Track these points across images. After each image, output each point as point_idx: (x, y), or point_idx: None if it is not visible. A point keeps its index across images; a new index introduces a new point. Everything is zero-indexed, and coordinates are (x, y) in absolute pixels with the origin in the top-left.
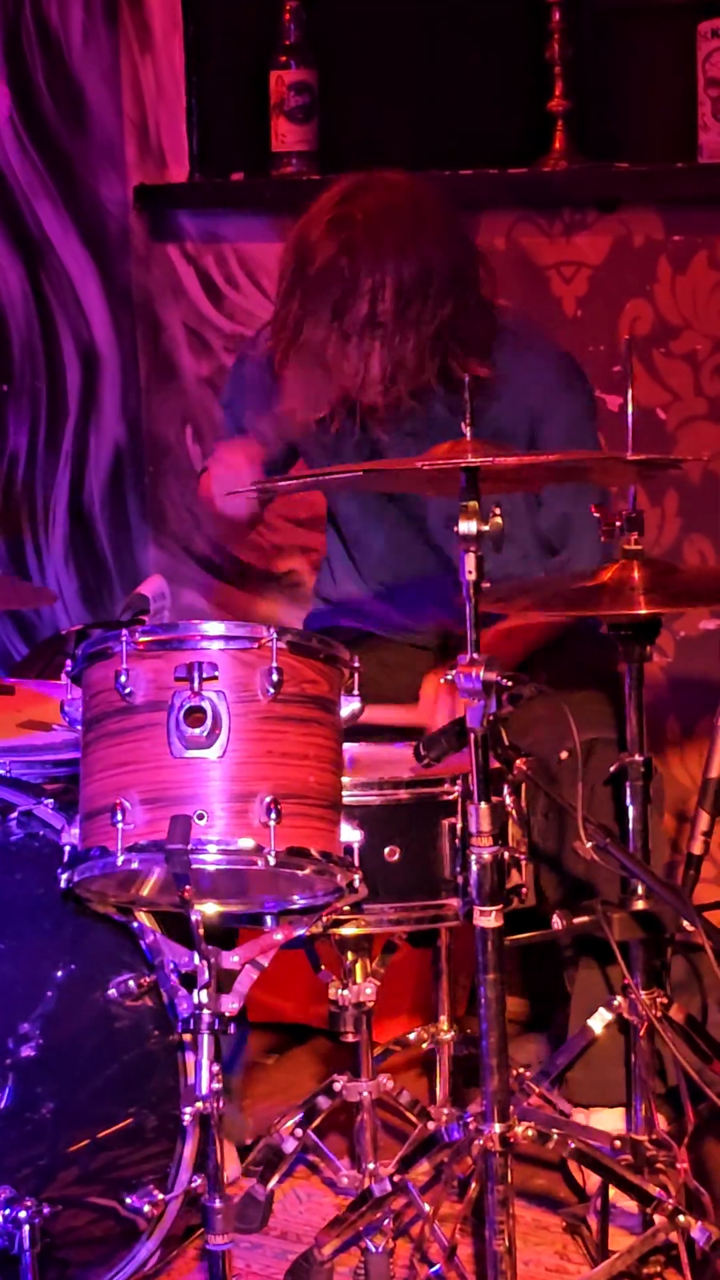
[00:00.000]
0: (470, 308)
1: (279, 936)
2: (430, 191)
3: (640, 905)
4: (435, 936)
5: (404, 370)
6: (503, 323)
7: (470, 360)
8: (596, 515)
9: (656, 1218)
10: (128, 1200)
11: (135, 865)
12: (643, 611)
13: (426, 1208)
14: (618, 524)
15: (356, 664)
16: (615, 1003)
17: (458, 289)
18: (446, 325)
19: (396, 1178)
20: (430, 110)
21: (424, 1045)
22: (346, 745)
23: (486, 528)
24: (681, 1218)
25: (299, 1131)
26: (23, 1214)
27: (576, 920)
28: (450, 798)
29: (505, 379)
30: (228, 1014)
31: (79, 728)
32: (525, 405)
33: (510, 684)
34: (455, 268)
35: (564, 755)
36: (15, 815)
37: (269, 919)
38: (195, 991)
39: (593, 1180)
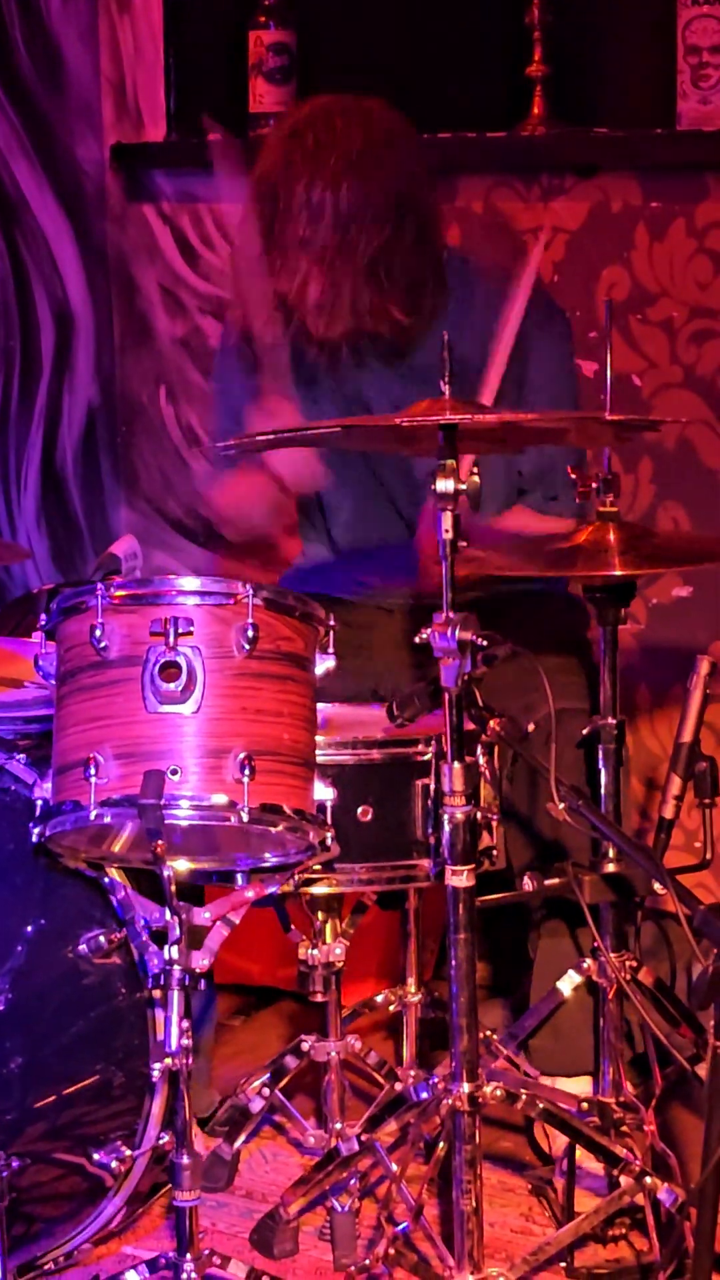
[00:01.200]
0: (407, 245)
1: (250, 894)
2: (392, 125)
3: (611, 868)
4: (404, 899)
5: (343, 300)
6: (476, 265)
7: (389, 303)
8: (573, 477)
9: (623, 1179)
10: (95, 1156)
11: (108, 820)
12: (618, 573)
13: (393, 1167)
14: (594, 486)
15: (332, 622)
16: (584, 965)
17: (395, 221)
18: (378, 256)
19: (363, 1137)
20: (409, 73)
21: (391, 1008)
22: (320, 706)
23: (464, 486)
24: (648, 1180)
25: (266, 1091)
26: None
27: (547, 882)
28: (424, 758)
29: (480, 311)
30: (198, 970)
31: (53, 682)
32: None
33: (485, 644)
34: (397, 199)
35: (531, 727)
36: None
37: (240, 876)
38: (166, 947)
39: (558, 1144)
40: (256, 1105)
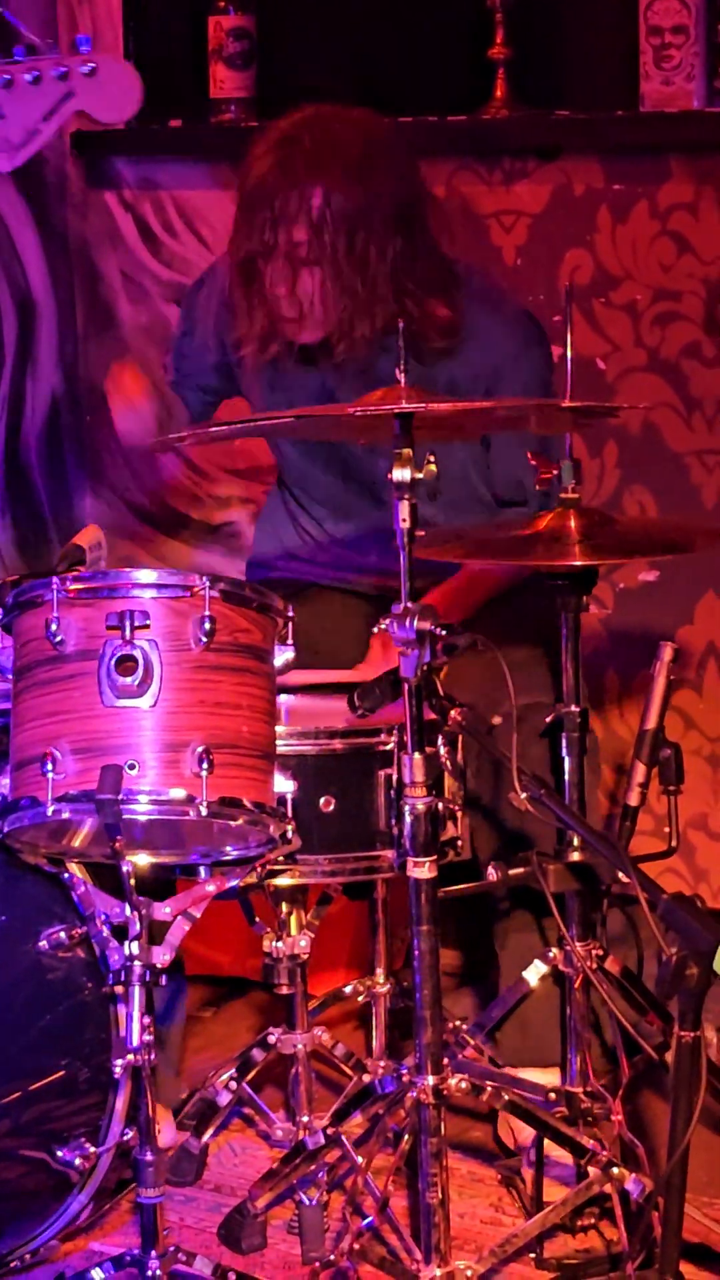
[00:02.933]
0: (419, 250)
1: (211, 888)
2: (384, 131)
3: (576, 857)
4: (371, 888)
5: (355, 308)
6: (467, 280)
7: (428, 300)
8: (534, 464)
9: (590, 1170)
10: (59, 1153)
11: (66, 815)
12: (577, 563)
13: (360, 1160)
14: (555, 473)
15: (290, 613)
16: (550, 955)
17: (404, 229)
18: (397, 265)
19: (330, 1130)
20: (370, 57)
21: (360, 998)
22: (282, 697)
23: (420, 475)
24: (615, 1170)
25: (233, 1085)
26: None
27: (512, 872)
28: (386, 748)
29: (471, 337)
30: (159, 965)
31: (10, 677)
32: (488, 364)
33: (445, 634)
34: (401, 207)
35: (497, 720)
36: None
37: (202, 870)
38: (126, 943)
39: (524, 1136)
40: (224, 1099)
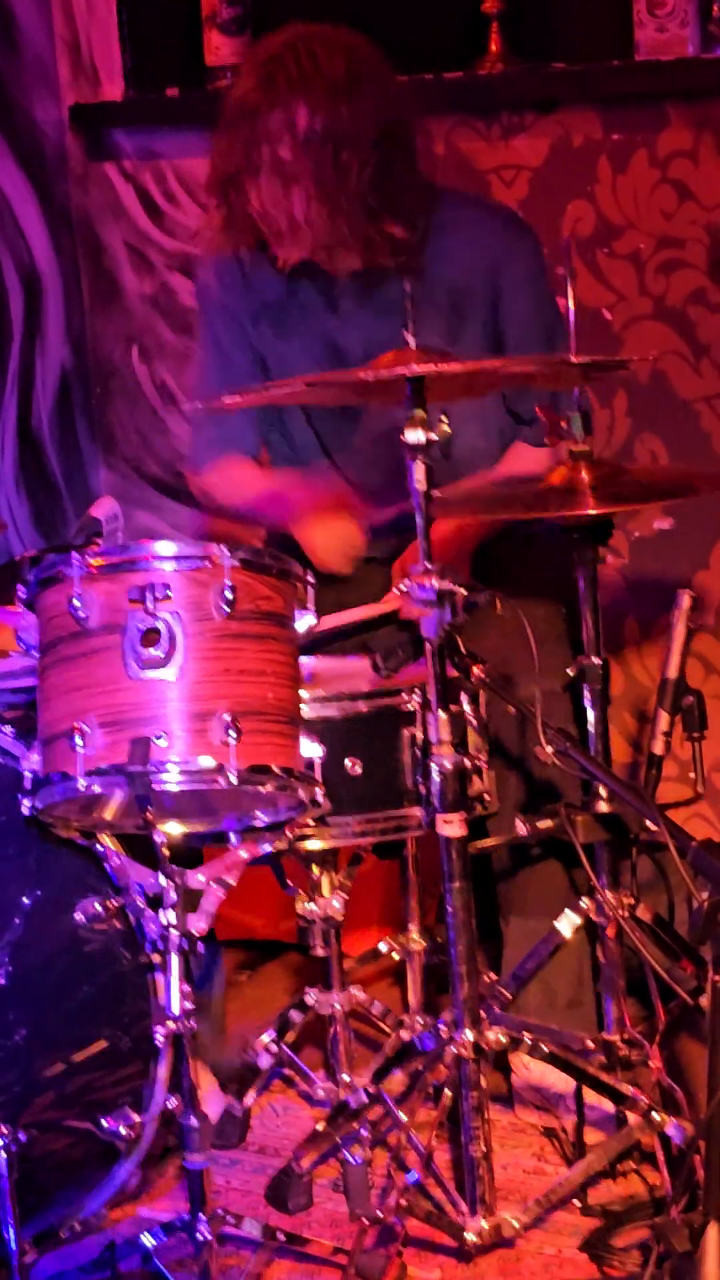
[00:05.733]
0: (394, 170)
1: (244, 854)
2: (369, 51)
3: (603, 808)
4: (402, 847)
5: (340, 221)
6: (441, 187)
7: (387, 220)
8: (543, 417)
9: (630, 1117)
10: (104, 1123)
11: (97, 789)
12: (591, 511)
13: (403, 1117)
14: (563, 425)
15: (310, 579)
16: (582, 904)
17: (384, 150)
18: (372, 184)
19: (371, 1088)
20: (364, 15)
21: (395, 955)
22: (304, 659)
23: (435, 436)
24: (656, 1116)
25: (273, 1047)
26: None
27: (540, 824)
28: (410, 708)
29: (456, 231)
30: (196, 933)
31: (35, 653)
32: (481, 259)
33: (465, 592)
34: (383, 128)
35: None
36: None
37: (233, 837)
38: (162, 912)
39: (536, 1078)
40: (264, 1061)
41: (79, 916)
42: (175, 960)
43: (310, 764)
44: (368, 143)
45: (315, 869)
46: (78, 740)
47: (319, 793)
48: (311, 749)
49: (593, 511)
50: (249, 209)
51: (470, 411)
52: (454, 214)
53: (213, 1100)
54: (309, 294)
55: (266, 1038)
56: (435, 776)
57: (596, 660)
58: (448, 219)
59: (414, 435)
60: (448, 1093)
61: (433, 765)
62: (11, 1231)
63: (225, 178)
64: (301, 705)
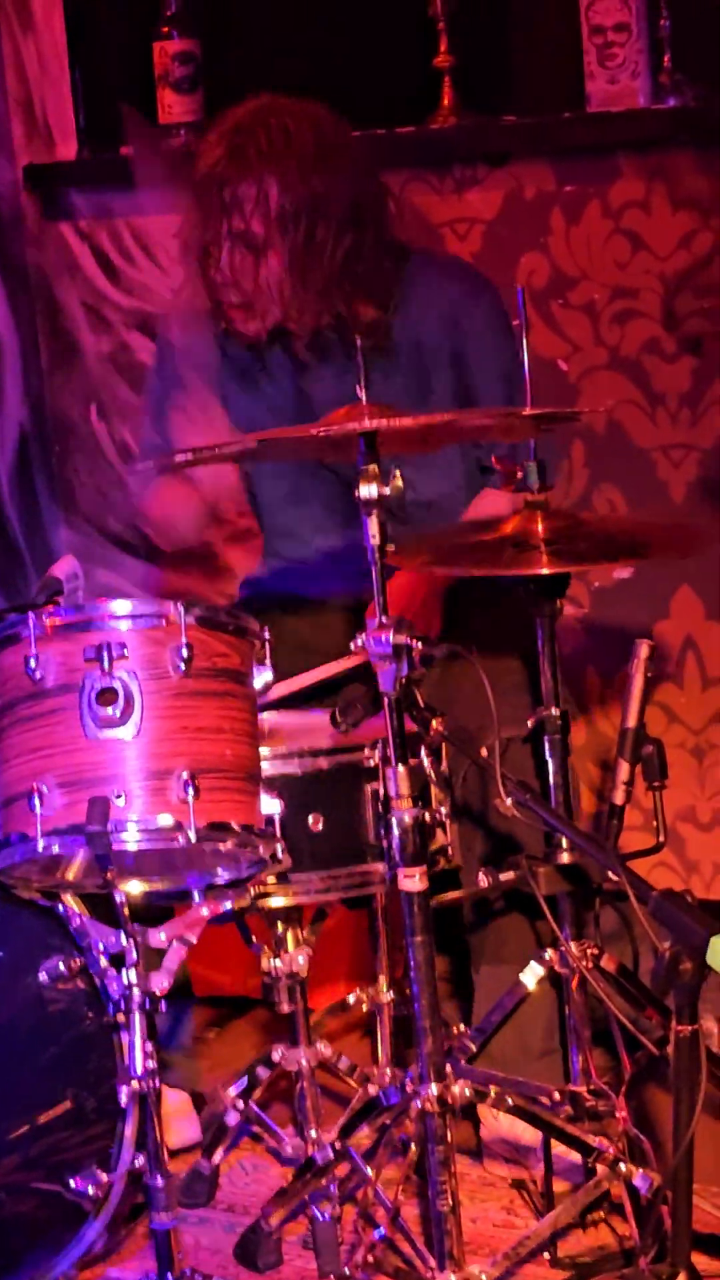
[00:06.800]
0: (369, 245)
1: (205, 912)
2: (340, 129)
3: (566, 858)
4: (371, 899)
5: (309, 296)
6: (411, 248)
7: (359, 301)
8: (498, 467)
9: (598, 1168)
10: (72, 1183)
11: (56, 850)
12: (545, 571)
13: (369, 1172)
14: (519, 475)
15: (267, 635)
16: (546, 956)
17: (356, 226)
18: (345, 263)
19: (338, 1144)
20: (316, 71)
21: (364, 1008)
22: (265, 715)
23: (388, 491)
24: (622, 1166)
25: (240, 1103)
26: None
27: (503, 877)
28: (371, 763)
29: (417, 293)
30: (158, 992)
31: None
32: (442, 316)
33: (421, 646)
34: (356, 205)
35: (484, 752)
36: None
37: (196, 895)
38: (124, 971)
39: (505, 1131)
40: (232, 1118)
41: (42, 977)
42: (138, 1019)
43: (270, 820)
44: (340, 218)
45: (279, 925)
46: (36, 801)
47: (280, 849)
48: (271, 805)
49: (546, 571)
50: (214, 278)
51: (435, 460)
52: (417, 273)
53: (188, 1125)
54: (278, 357)
55: (234, 1093)
56: (395, 831)
57: (555, 711)
58: (411, 278)
59: (367, 490)
60: (415, 1147)
61: (392, 820)
62: None
63: (195, 246)
64: (262, 761)
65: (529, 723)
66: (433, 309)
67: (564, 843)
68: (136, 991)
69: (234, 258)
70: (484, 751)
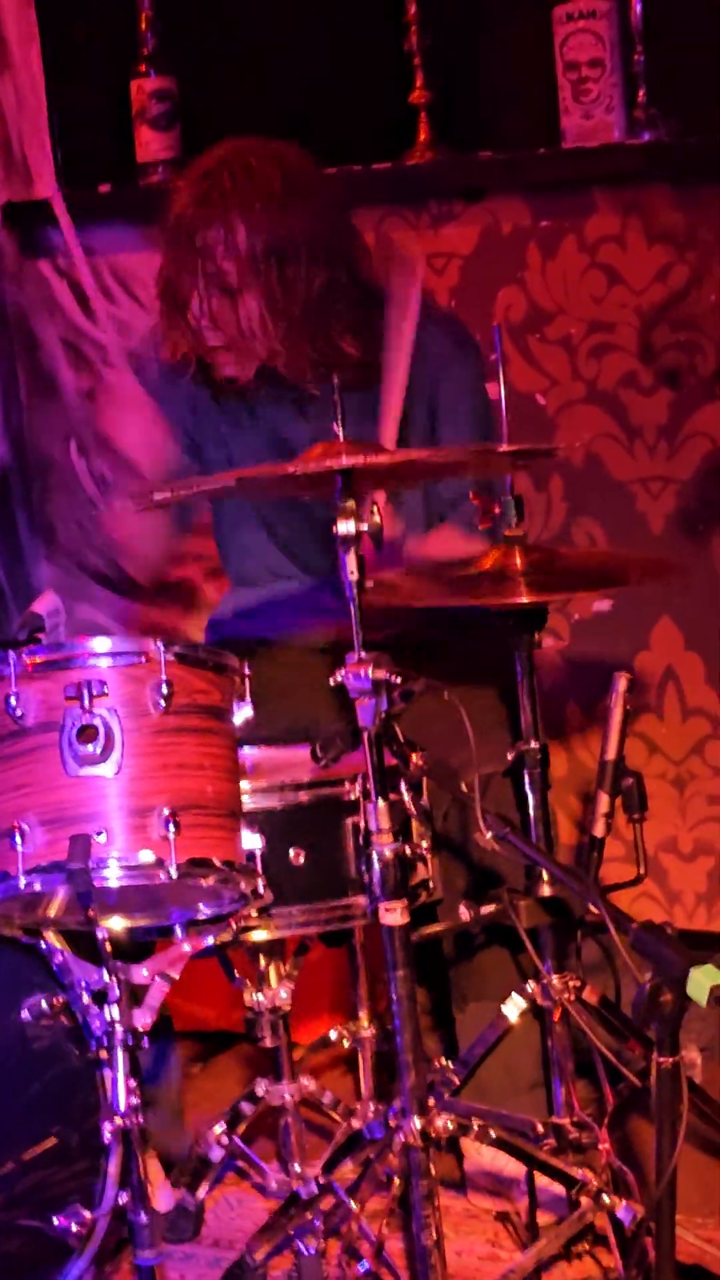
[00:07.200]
0: (342, 284)
1: (187, 948)
2: (304, 164)
3: (546, 891)
4: (349, 935)
5: (287, 335)
6: (389, 294)
7: (340, 339)
8: (476, 502)
9: (581, 1200)
10: (55, 1220)
11: (38, 887)
12: (523, 600)
13: (353, 1206)
14: (496, 510)
15: (247, 671)
16: (529, 988)
17: (328, 263)
18: (321, 300)
19: (322, 1179)
20: (293, 108)
21: (346, 1043)
22: (246, 751)
23: (365, 527)
24: (606, 1198)
25: (225, 1139)
26: None
27: (484, 910)
28: (351, 797)
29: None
30: (141, 1028)
31: None
32: (421, 370)
33: (400, 681)
34: (326, 242)
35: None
36: None
37: (178, 930)
38: (106, 1008)
39: (487, 1163)
40: (216, 1154)
41: (25, 1014)
42: (121, 1056)
43: (252, 856)
44: (310, 256)
45: (261, 960)
46: (17, 839)
47: (261, 884)
48: (252, 841)
49: (524, 600)
50: (191, 322)
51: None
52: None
53: (164, 1193)
54: (262, 399)
55: (219, 1130)
56: (375, 865)
57: (535, 744)
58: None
59: (345, 526)
60: (398, 1180)
61: (373, 854)
62: None
63: (171, 293)
64: (243, 796)
65: (509, 756)
66: (417, 361)
67: (545, 875)
68: (119, 1028)
69: (211, 302)
70: (464, 786)
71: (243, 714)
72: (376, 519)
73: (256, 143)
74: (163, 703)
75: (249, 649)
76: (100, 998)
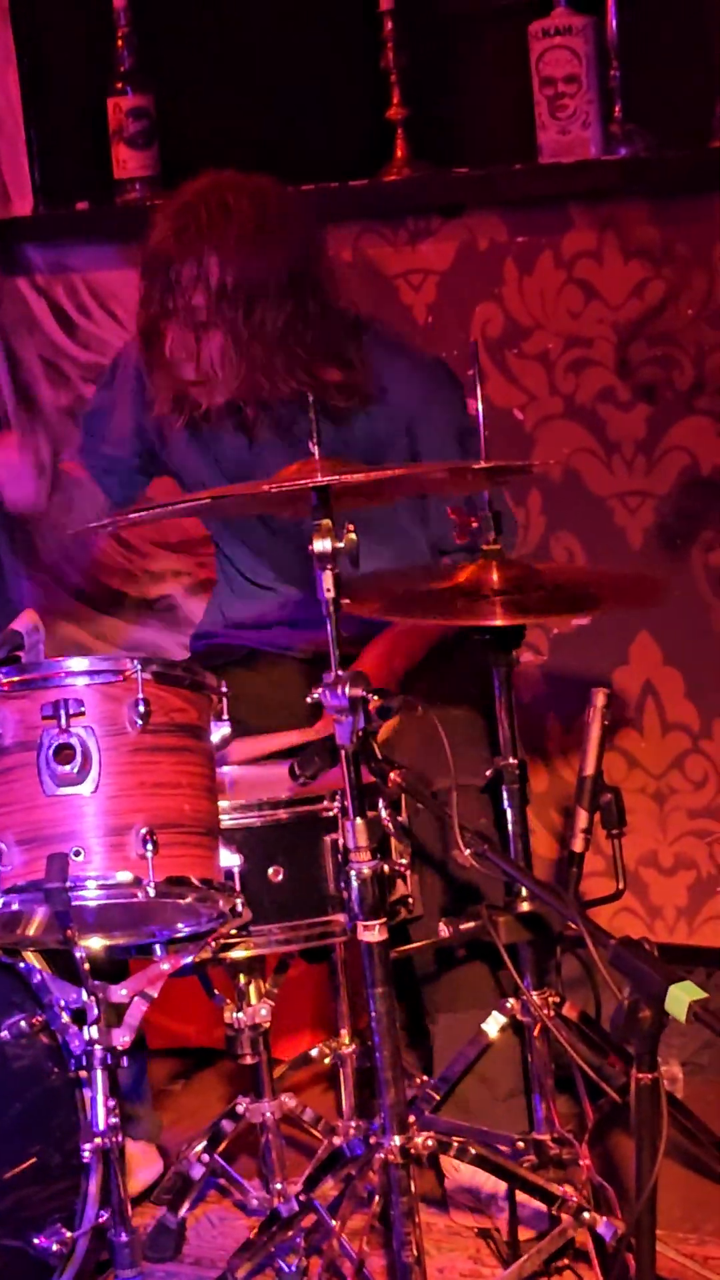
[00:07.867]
0: (310, 316)
1: (166, 966)
2: (281, 198)
3: (525, 907)
4: (330, 951)
5: (257, 371)
6: (372, 332)
7: (319, 367)
8: (454, 518)
9: (562, 1216)
10: (36, 1240)
11: (16, 907)
12: (498, 623)
13: (334, 1224)
14: (474, 524)
15: (224, 689)
16: (508, 1004)
17: (296, 295)
18: (288, 331)
19: (303, 1196)
20: (270, 126)
21: (326, 1060)
22: (224, 769)
23: (341, 545)
24: (586, 1215)
25: (205, 1157)
26: None
27: (463, 926)
28: (330, 814)
29: (379, 387)
30: (120, 1048)
31: None
32: (402, 412)
33: (377, 698)
34: (298, 278)
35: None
36: None
37: (157, 948)
38: (85, 1028)
39: (465, 1178)
40: (197, 1171)
41: (4, 1034)
42: (100, 1075)
43: (230, 874)
44: (280, 291)
45: (241, 977)
46: None
47: (239, 902)
48: (231, 859)
49: (500, 623)
50: (166, 356)
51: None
52: (380, 361)
53: (150, 1169)
54: (232, 428)
55: (199, 1148)
56: (354, 883)
57: (513, 760)
58: (377, 365)
59: (321, 545)
60: (379, 1198)
61: (351, 872)
62: None
63: (146, 324)
64: (221, 815)
65: (487, 773)
66: (394, 402)
67: (524, 891)
68: (98, 1048)
69: (181, 335)
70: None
71: (220, 732)
72: (353, 537)
73: (234, 178)
74: (140, 721)
75: (232, 659)
76: (79, 1017)
